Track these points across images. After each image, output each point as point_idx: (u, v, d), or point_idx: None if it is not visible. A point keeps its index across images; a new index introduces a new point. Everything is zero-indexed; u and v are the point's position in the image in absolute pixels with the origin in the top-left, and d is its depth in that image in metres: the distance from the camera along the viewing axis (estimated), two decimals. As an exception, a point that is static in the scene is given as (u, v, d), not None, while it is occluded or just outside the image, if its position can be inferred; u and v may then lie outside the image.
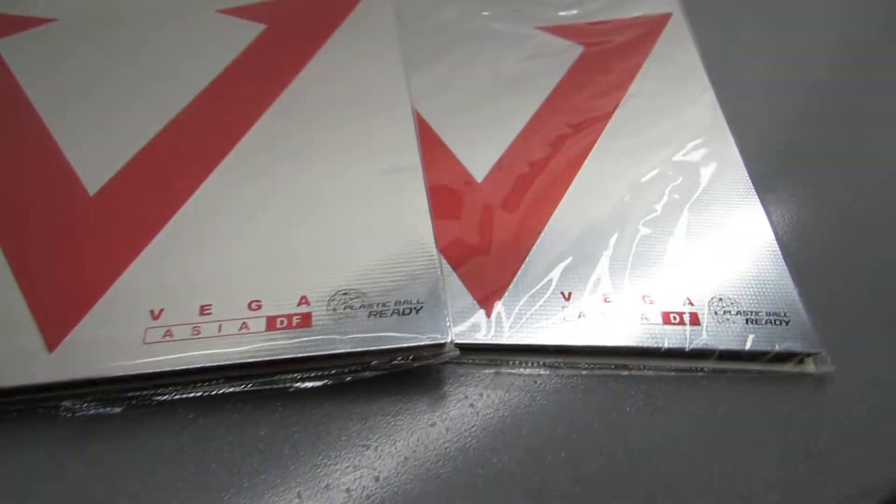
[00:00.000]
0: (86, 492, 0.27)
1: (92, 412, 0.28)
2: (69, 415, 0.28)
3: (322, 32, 0.43)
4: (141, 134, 0.37)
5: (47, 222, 0.32)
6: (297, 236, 0.32)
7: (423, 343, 0.29)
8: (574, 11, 0.48)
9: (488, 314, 0.32)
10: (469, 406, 0.30)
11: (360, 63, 0.41)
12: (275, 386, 0.28)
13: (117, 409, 0.28)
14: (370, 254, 0.31)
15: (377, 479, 0.27)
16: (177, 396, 0.28)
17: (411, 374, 0.30)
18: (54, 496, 0.27)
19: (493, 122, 0.40)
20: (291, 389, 0.28)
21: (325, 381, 0.29)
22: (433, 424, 0.29)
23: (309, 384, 0.28)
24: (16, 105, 0.38)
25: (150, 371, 0.28)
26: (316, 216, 0.33)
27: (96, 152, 0.35)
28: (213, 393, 0.29)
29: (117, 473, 0.27)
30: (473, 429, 0.29)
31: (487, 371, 0.31)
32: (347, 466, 0.28)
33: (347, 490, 0.27)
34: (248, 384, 0.28)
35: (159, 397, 0.28)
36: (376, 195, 0.34)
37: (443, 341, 0.29)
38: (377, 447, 0.28)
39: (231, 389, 0.28)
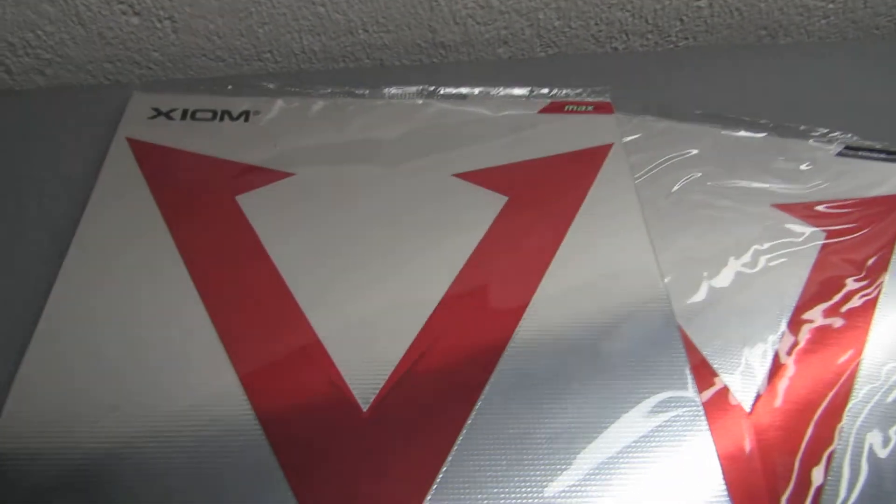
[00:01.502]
0: None
1: None
2: None
3: (569, 206, 0.41)
4: (405, 333, 0.35)
5: (323, 440, 0.31)
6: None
7: None
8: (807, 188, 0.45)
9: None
10: None
11: (610, 243, 0.39)
12: None
13: None
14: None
15: None
16: None
17: None
18: None
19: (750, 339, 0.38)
20: None
21: None
22: None
23: None
24: (280, 296, 0.36)
25: None
26: (609, 455, 0.31)
27: (361, 357, 0.34)
28: None
29: None
30: None
31: None
32: None
33: None
34: None
35: None
36: (655, 434, 0.32)
37: None
38: None
39: None
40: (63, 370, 0.32)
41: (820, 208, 0.45)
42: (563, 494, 0.30)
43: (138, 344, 0.33)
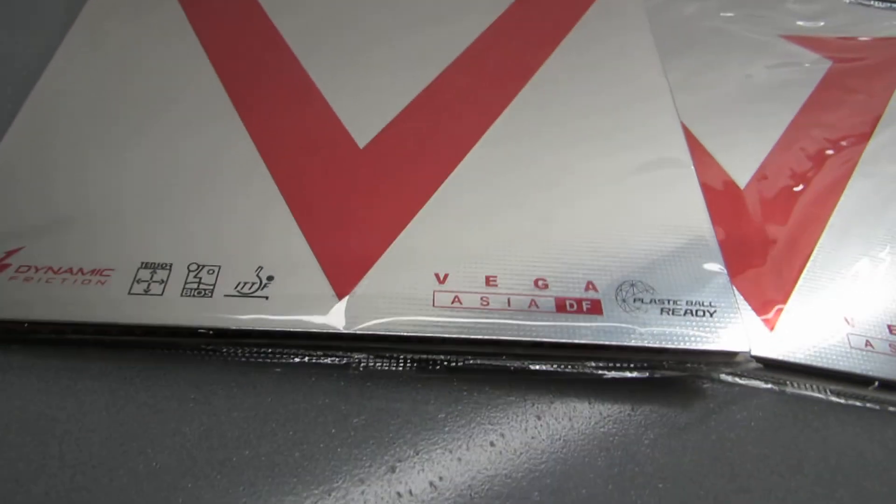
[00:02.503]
0: (364, 442, 0.26)
1: (382, 368, 0.27)
2: (358, 370, 0.28)
3: (571, 12, 0.41)
4: (404, 91, 0.36)
5: (321, 171, 0.32)
6: (575, 218, 0.31)
7: (721, 348, 0.27)
8: (820, 23, 0.45)
9: (770, 327, 0.29)
10: (749, 423, 0.28)
11: (612, 48, 0.39)
12: (569, 369, 0.27)
13: (401, 368, 0.27)
14: (651, 247, 0.30)
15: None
16: (457, 363, 0.27)
17: (676, 382, 0.29)
18: (339, 442, 0.26)
19: (749, 128, 0.38)
20: (605, 377, 0.27)
21: (614, 372, 0.27)
22: (716, 440, 0.27)
23: (609, 374, 0.27)
24: (276, 48, 0.38)
25: (443, 335, 0.26)
26: (590, 200, 0.32)
27: (361, 105, 0.34)
28: (488, 365, 0.27)
29: (396, 428, 0.27)
30: (762, 447, 0.27)
31: (763, 387, 0.29)
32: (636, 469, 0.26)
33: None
34: (533, 363, 0.27)
35: (443, 363, 0.27)
36: (646, 186, 0.33)
37: (744, 350, 0.27)
38: (656, 454, 0.27)
39: (514, 364, 0.27)
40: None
41: (829, 39, 0.45)
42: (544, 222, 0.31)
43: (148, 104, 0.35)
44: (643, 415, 0.28)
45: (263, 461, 0.25)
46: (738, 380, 0.29)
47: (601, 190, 0.32)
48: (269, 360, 0.27)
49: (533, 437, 0.27)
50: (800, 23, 0.46)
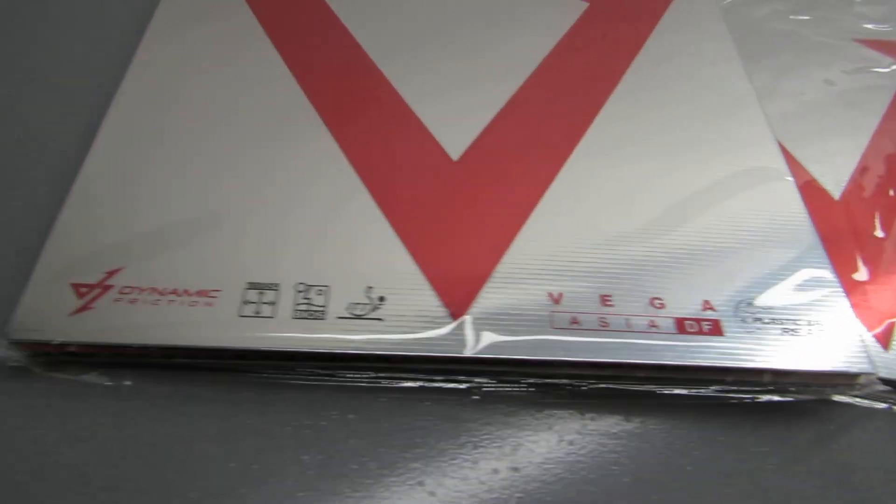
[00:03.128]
0: (489, 470, 0.25)
1: (500, 390, 0.26)
2: (478, 395, 0.27)
3: (647, 18, 0.40)
4: (491, 103, 0.35)
5: (418, 187, 0.31)
6: (682, 232, 0.30)
7: (848, 369, 0.26)
8: (886, 27, 0.45)
9: (885, 347, 0.29)
10: (872, 444, 0.28)
11: (692, 55, 0.39)
12: (694, 392, 0.26)
13: (520, 391, 0.26)
14: (761, 263, 0.29)
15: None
16: (579, 387, 0.26)
17: (793, 404, 0.28)
18: (460, 465, 0.25)
19: (837, 136, 0.38)
20: (730, 401, 0.26)
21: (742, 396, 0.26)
22: (841, 463, 0.27)
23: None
24: (357, 60, 0.38)
25: (566, 359, 0.26)
26: (694, 213, 0.31)
27: (449, 117, 0.34)
28: (609, 388, 0.26)
29: (520, 454, 0.26)
30: (888, 469, 0.27)
31: (880, 408, 0.28)
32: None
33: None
34: (659, 387, 0.26)
35: (565, 386, 0.26)
36: (748, 198, 0.32)
37: (869, 371, 0.26)
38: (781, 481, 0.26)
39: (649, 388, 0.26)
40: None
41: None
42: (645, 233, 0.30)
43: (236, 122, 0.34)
44: (763, 439, 0.27)
45: (389, 491, 0.24)
46: (854, 400, 0.28)
47: (703, 202, 0.31)
48: (379, 385, 0.26)
49: (660, 463, 0.26)
50: (869, 26, 0.45)
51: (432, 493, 0.25)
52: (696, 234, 0.30)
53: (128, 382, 0.26)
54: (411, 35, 0.39)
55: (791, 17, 0.46)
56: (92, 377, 0.26)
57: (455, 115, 0.34)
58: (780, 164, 0.33)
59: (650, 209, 0.31)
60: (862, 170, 0.36)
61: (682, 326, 0.27)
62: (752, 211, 0.31)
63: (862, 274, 0.32)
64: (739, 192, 0.32)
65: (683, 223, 0.30)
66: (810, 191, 0.35)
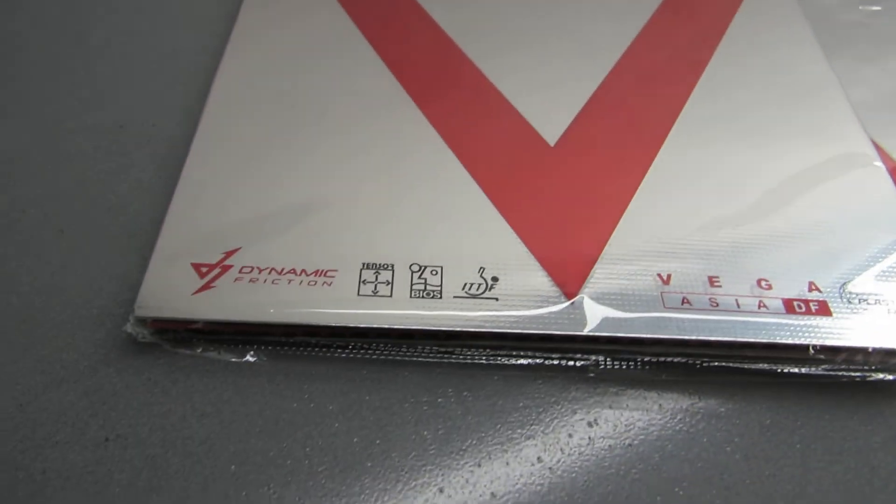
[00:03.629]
0: (604, 448, 0.26)
1: (615, 368, 0.26)
2: (593, 372, 0.27)
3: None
4: (581, 88, 0.36)
5: (519, 172, 0.32)
6: (782, 215, 0.30)
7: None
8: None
9: None
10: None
11: (773, 40, 0.39)
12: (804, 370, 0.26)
13: (635, 369, 0.26)
14: (859, 246, 0.30)
15: None
16: (694, 363, 0.27)
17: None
18: (577, 446, 0.26)
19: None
20: (842, 379, 0.27)
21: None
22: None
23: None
24: (444, 46, 0.38)
25: (680, 337, 0.26)
26: (791, 196, 0.31)
27: (542, 103, 0.34)
28: (722, 367, 0.27)
29: (635, 433, 0.27)
30: None
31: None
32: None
33: None
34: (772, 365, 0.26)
35: (679, 364, 0.27)
36: (840, 182, 0.32)
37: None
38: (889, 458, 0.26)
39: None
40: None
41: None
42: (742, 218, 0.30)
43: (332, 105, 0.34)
44: (870, 417, 0.27)
45: (509, 467, 0.25)
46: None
47: (798, 186, 0.32)
48: (493, 363, 0.27)
49: (769, 441, 0.26)
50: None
51: (552, 470, 0.25)
52: (796, 217, 0.30)
53: (251, 359, 0.27)
54: (496, 23, 0.39)
55: (860, 7, 0.46)
56: (216, 354, 0.26)
57: (547, 102, 0.34)
58: (869, 149, 0.33)
59: (748, 192, 0.31)
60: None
61: (790, 307, 0.27)
62: (847, 195, 0.31)
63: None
64: (832, 176, 0.32)
65: (781, 206, 0.31)
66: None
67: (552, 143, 0.33)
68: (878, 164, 0.33)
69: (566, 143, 0.33)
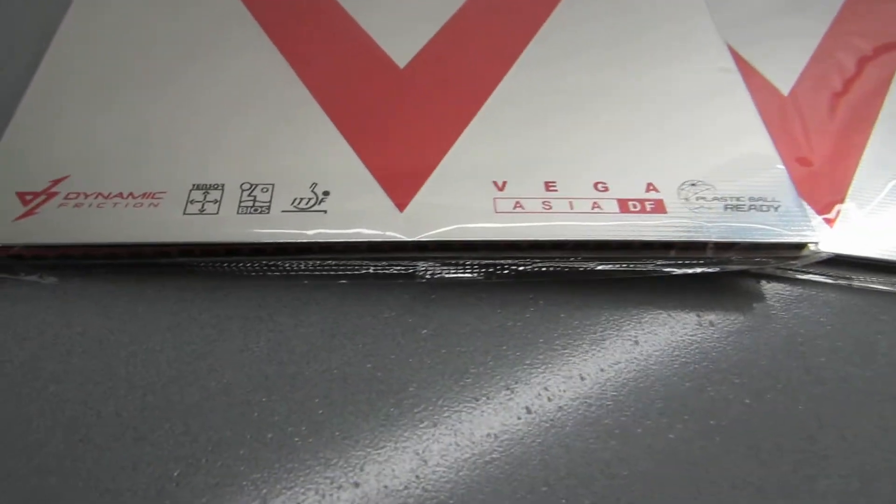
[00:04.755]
0: (435, 351, 0.26)
1: (449, 276, 0.26)
2: (424, 278, 0.27)
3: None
4: (436, 15, 0.36)
5: (364, 92, 0.31)
6: (628, 122, 0.30)
7: (790, 240, 0.26)
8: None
9: (830, 225, 0.29)
10: (818, 318, 0.28)
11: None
12: (638, 267, 0.26)
13: (466, 275, 0.26)
14: (709, 149, 0.29)
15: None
16: (524, 268, 0.26)
17: (741, 283, 0.28)
18: (409, 352, 0.26)
19: (786, 37, 0.38)
20: (673, 273, 0.26)
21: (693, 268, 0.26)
22: (787, 336, 0.27)
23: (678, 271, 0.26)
24: None
25: (508, 239, 0.26)
26: (641, 104, 0.31)
27: (395, 28, 0.34)
28: (554, 268, 0.27)
29: (466, 336, 0.26)
30: (833, 340, 0.27)
31: (829, 283, 0.29)
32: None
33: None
34: (600, 264, 0.26)
35: (510, 268, 0.26)
36: (696, 91, 0.32)
37: (813, 241, 0.26)
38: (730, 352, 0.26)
39: (587, 266, 0.27)
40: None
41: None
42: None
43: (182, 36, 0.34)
44: (712, 315, 0.27)
45: (336, 374, 0.25)
46: (803, 275, 0.29)
47: (651, 95, 0.32)
48: (330, 274, 0.26)
49: (603, 339, 0.26)
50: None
51: (378, 371, 0.25)
52: (643, 123, 0.30)
53: (74, 282, 0.26)
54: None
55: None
56: (37, 277, 0.26)
57: (401, 27, 0.34)
58: (729, 62, 0.33)
59: (598, 103, 0.31)
60: (810, 68, 0.36)
61: (625, 206, 0.27)
62: (701, 102, 0.32)
63: (808, 160, 0.32)
64: (687, 86, 0.32)
65: (630, 114, 0.31)
66: (759, 86, 0.35)
67: (402, 66, 0.32)
68: (737, 75, 0.33)
69: (416, 65, 0.33)
